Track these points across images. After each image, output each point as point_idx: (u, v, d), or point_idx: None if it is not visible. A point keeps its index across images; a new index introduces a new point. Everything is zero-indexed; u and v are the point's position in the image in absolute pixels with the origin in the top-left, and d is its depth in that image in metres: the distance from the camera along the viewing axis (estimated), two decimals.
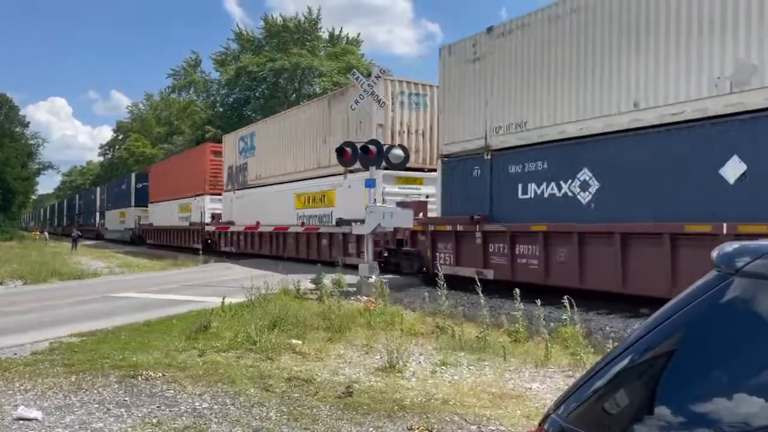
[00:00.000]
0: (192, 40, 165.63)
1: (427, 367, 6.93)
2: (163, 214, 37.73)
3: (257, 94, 55.14)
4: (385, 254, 17.03)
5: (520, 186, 12.18)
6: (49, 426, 4.94)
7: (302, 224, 20.99)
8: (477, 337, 7.95)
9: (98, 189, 63.10)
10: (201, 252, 24.15)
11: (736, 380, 1.33)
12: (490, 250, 12.68)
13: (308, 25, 54.59)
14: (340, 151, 13.96)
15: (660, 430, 1.38)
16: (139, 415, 5.20)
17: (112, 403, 5.53)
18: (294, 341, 7.97)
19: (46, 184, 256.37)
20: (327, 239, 19.77)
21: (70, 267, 21.54)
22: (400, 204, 16.08)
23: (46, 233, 57.68)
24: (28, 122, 69.92)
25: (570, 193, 11.15)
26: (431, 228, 14.35)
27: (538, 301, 8.50)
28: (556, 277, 11.27)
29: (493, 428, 4.96)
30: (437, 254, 14.17)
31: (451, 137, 13.90)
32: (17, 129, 65.97)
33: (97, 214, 59.98)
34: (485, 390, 6.01)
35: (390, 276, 14.88)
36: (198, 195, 31.76)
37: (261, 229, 23.61)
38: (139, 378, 6.27)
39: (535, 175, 11.84)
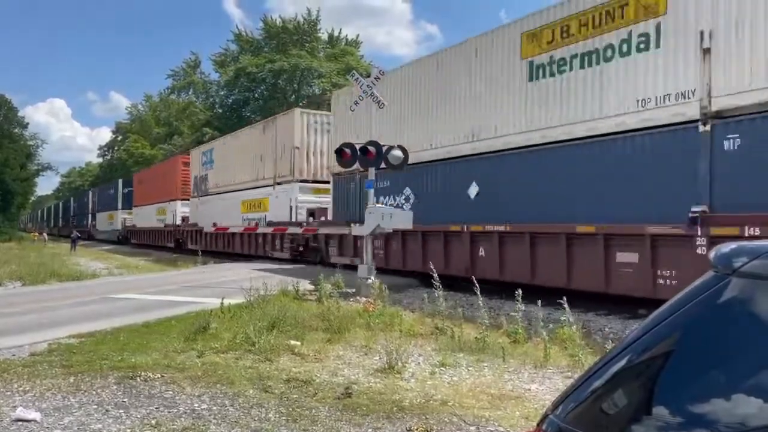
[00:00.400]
0: (191, 41, 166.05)
1: (426, 368, 6.92)
2: (145, 216, 42.10)
3: (256, 95, 55.17)
4: (300, 248, 21.20)
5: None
6: (47, 427, 4.94)
7: (301, 226, 21.35)
8: (476, 338, 7.95)
9: (90, 192, 65.56)
10: (200, 253, 24.26)
11: (734, 381, 1.33)
12: (358, 245, 16.63)
13: (307, 27, 54.67)
14: (339, 152, 13.78)
15: (658, 430, 1.37)
16: (138, 416, 5.19)
17: (111, 404, 5.52)
18: (293, 342, 7.96)
19: (45, 186, 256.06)
20: (262, 238, 24.37)
21: (68, 268, 21.52)
22: (309, 210, 21.87)
23: (45, 234, 57.72)
24: (27, 123, 69.63)
25: (400, 204, 16.17)
26: (323, 230, 20.17)
27: (539, 302, 8.52)
28: (393, 263, 16.29)
29: (491, 429, 4.96)
30: (329, 248, 19.34)
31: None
32: (16, 130, 65.65)
33: (90, 215, 62.31)
34: (484, 391, 6.01)
35: (302, 265, 18.19)
36: (171, 200, 36.14)
37: (229, 230, 27.27)
38: (138, 379, 6.26)
39: (383, 190, 16.54)
